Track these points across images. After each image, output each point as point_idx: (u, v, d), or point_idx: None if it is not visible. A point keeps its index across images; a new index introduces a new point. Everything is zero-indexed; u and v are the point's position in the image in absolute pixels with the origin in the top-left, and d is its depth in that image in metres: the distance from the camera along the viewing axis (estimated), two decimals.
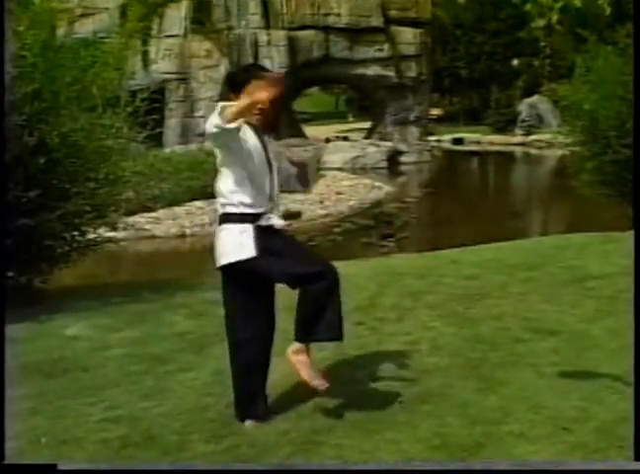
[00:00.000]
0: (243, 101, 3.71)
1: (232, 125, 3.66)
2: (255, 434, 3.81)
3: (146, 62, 30.49)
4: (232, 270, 3.89)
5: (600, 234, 10.18)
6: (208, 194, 19.50)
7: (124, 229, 9.54)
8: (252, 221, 3.84)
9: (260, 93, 3.67)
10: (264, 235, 3.83)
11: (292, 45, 32.35)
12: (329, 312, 3.81)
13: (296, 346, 3.89)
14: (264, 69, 4.06)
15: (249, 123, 3.91)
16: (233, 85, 3.94)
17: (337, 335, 3.88)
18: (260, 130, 3.98)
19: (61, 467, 3.32)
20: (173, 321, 6.19)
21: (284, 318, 6.06)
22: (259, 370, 4.06)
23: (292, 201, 18.71)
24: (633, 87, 9.25)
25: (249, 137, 3.89)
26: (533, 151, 42.64)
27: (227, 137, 3.76)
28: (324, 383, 3.86)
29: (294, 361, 3.88)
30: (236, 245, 3.83)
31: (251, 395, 4.01)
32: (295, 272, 3.81)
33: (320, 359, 4.74)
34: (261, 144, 3.94)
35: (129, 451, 3.66)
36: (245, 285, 3.96)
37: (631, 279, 5.12)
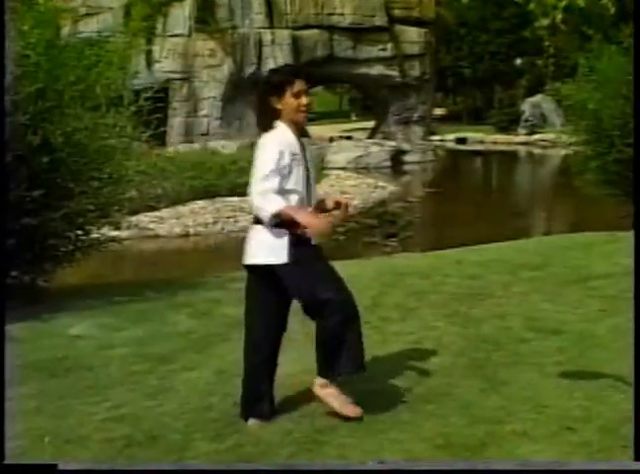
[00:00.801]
0: (303, 217, 3.67)
1: (274, 211, 3.67)
2: (258, 434, 3.81)
3: (150, 61, 30.50)
4: (257, 270, 3.90)
5: (603, 234, 10.18)
6: (212, 193, 19.69)
7: (128, 228, 9.58)
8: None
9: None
10: (297, 243, 3.82)
11: (296, 45, 32.37)
12: (349, 345, 3.81)
13: (321, 380, 3.91)
14: (300, 68, 4.06)
15: (295, 124, 3.91)
16: (275, 88, 3.89)
17: (359, 368, 3.89)
18: (299, 133, 3.97)
19: (62, 467, 3.32)
20: (176, 320, 6.19)
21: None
22: (269, 370, 4.06)
23: None
24: (634, 85, 9.23)
25: (293, 146, 3.87)
26: (537, 150, 42.60)
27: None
28: (357, 411, 3.88)
29: (323, 395, 3.90)
30: (268, 248, 3.83)
31: (259, 394, 4.01)
32: (313, 294, 3.77)
33: None
34: (300, 148, 3.92)
35: (133, 451, 3.66)
36: (269, 286, 3.94)
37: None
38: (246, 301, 4.07)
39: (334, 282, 3.84)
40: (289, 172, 3.81)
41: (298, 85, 3.84)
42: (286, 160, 3.79)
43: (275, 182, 3.72)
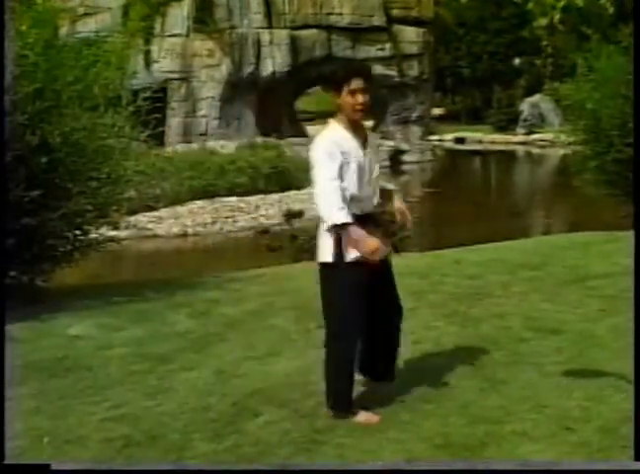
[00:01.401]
0: (354, 240, 3.79)
1: (334, 223, 3.78)
2: (257, 434, 3.81)
3: (148, 61, 30.48)
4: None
5: (602, 233, 10.18)
6: (210, 193, 19.68)
7: (126, 228, 9.56)
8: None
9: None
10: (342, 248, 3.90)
11: (295, 45, 32.35)
12: (343, 383, 4.02)
13: None
14: (361, 66, 4.10)
15: (353, 121, 3.94)
16: (334, 84, 3.92)
17: (346, 407, 4.00)
18: (360, 129, 4.00)
19: (55, 467, 3.32)
20: (175, 320, 6.18)
21: (287, 316, 6.09)
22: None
23: (294, 200, 18.73)
24: (633, 85, 9.23)
25: (344, 145, 3.90)
26: (535, 150, 42.64)
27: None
28: (375, 418, 3.96)
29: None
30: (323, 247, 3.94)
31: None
32: (332, 323, 4.01)
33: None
34: (357, 145, 3.95)
35: (132, 451, 3.66)
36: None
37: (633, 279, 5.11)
38: None
39: (354, 318, 3.96)
40: (342, 171, 3.85)
41: (355, 83, 3.85)
42: (338, 161, 3.83)
43: (335, 189, 3.78)
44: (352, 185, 3.88)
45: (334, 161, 3.82)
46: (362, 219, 3.91)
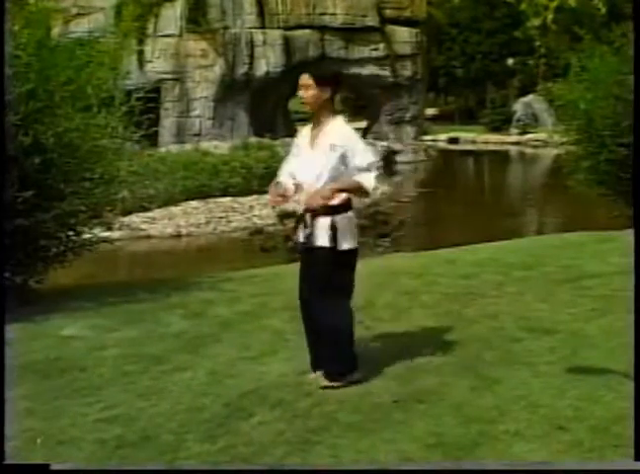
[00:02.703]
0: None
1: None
2: (250, 434, 3.81)
3: (142, 62, 30.46)
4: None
5: (595, 233, 10.20)
6: (204, 193, 19.64)
7: (120, 229, 9.53)
8: None
9: None
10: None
11: (288, 45, 32.33)
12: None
13: None
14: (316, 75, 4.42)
15: (316, 117, 4.44)
16: None
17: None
18: (318, 126, 4.44)
19: (54, 467, 3.32)
20: (169, 321, 6.18)
21: (281, 317, 6.08)
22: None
23: None
24: (633, 87, 9.23)
25: (300, 137, 4.57)
26: (529, 150, 42.66)
27: None
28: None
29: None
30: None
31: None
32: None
33: None
34: (310, 140, 4.45)
35: (125, 451, 3.66)
36: None
37: (629, 278, 5.14)
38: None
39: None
40: (292, 159, 4.55)
41: (300, 79, 4.38)
42: (292, 148, 4.60)
43: (283, 168, 4.60)
44: (295, 172, 4.47)
45: (291, 150, 4.61)
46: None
